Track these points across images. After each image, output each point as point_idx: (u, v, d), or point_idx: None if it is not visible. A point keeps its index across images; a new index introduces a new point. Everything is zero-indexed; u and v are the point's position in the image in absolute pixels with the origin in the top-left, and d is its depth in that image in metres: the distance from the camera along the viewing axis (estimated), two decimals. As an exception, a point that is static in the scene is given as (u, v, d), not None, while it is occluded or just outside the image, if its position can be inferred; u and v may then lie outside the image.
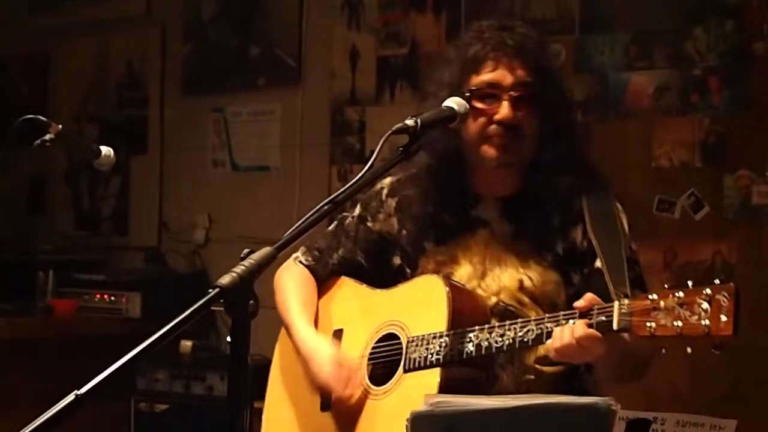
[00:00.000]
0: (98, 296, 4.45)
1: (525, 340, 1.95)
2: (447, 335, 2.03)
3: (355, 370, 2.15)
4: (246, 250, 1.55)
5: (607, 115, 3.69)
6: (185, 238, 4.79)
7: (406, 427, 1.67)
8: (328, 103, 4.43)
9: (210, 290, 1.48)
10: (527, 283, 2.14)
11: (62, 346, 4.15)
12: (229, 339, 1.52)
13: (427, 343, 2.05)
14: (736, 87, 3.49)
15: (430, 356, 2.04)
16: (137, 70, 5.05)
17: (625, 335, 1.89)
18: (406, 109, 3.75)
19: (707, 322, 1.68)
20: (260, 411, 2.35)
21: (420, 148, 1.92)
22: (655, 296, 1.76)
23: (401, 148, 1.91)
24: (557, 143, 2.15)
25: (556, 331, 1.89)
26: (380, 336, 2.18)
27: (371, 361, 2.17)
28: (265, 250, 1.56)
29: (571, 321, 1.89)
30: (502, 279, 2.15)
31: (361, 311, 2.26)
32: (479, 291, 2.15)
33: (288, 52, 4.54)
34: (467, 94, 2.10)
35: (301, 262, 2.37)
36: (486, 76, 2.12)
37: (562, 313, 1.94)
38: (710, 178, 3.53)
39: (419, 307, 2.12)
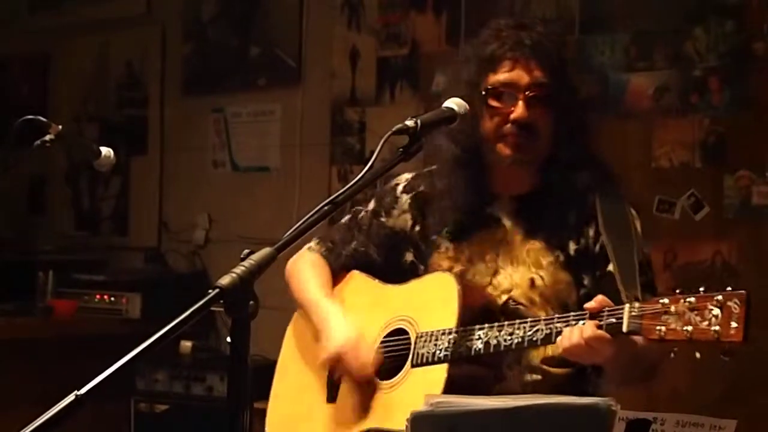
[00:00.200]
0: (98, 296, 4.45)
1: (534, 339, 1.96)
2: (456, 332, 2.03)
3: (371, 351, 2.15)
4: (246, 251, 1.55)
5: (607, 115, 3.69)
6: (185, 238, 4.79)
7: (406, 427, 1.67)
8: (328, 103, 4.43)
9: (210, 291, 1.48)
10: (539, 282, 2.15)
11: (62, 346, 4.15)
12: (229, 339, 1.52)
13: (436, 339, 2.06)
14: (736, 87, 3.49)
15: (438, 352, 2.04)
16: (137, 70, 5.05)
17: (635, 338, 1.89)
18: (406, 109, 3.77)
19: (717, 327, 1.69)
20: (260, 411, 2.35)
21: (420, 148, 1.92)
22: (666, 300, 1.77)
23: (401, 149, 1.91)
24: (572, 142, 2.16)
25: (566, 330, 1.90)
26: (389, 331, 2.19)
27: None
28: (265, 251, 1.56)
29: (581, 322, 1.89)
30: (514, 277, 2.16)
31: (371, 305, 2.27)
32: (491, 288, 2.16)
33: (288, 52, 4.54)
34: (483, 93, 2.13)
35: (314, 251, 2.39)
36: (502, 76, 2.14)
37: (573, 313, 1.95)
38: (710, 179, 3.53)
39: (430, 303, 2.13)
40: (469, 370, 2.05)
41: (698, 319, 1.71)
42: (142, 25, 5.01)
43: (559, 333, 1.92)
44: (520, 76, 2.13)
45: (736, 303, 1.68)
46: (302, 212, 1.72)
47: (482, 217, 2.23)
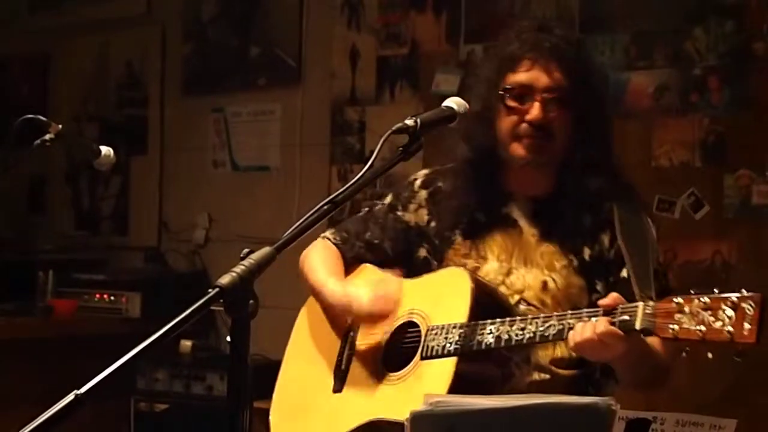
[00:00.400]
0: (98, 296, 4.45)
1: (546, 334, 1.95)
2: (467, 326, 2.03)
3: (396, 295, 2.16)
4: (246, 250, 1.55)
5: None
6: (185, 237, 4.79)
7: (406, 426, 1.67)
8: (328, 103, 4.43)
9: (210, 290, 1.48)
10: (551, 285, 2.15)
11: (62, 345, 4.15)
12: (228, 339, 1.52)
13: (447, 333, 2.06)
14: (736, 87, 3.49)
15: (448, 345, 2.04)
16: (137, 70, 5.05)
17: (648, 339, 1.90)
18: (406, 109, 3.77)
19: (731, 328, 1.69)
20: (260, 411, 2.35)
21: (420, 147, 1.92)
22: (680, 300, 1.77)
23: (401, 148, 1.91)
24: (590, 146, 2.16)
25: (578, 326, 1.90)
26: (400, 323, 2.19)
27: (389, 347, 2.18)
28: (265, 250, 1.56)
29: (593, 319, 1.89)
30: (527, 278, 2.17)
31: None
32: (503, 288, 2.17)
33: (288, 52, 4.54)
34: (501, 92, 2.15)
35: (329, 240, 2.39)
36: (521, 76, 2.15)
37: (586, 310, 1.95)
38: (710, 178, 3.53)
39: (442, 298, 2.13)
40: (477, 366, 2.05)
41: (712, 319, 1.72)
42: (142, 25, 5.01)
43: (571, 329, 1.91)
44: (539, 77, 2.13)
45: (750, 305, 1.69)
46: (302, 212, 1.72)
47: (498, 216, 2.23)
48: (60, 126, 2.45)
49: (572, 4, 3.81)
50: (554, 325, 1.95)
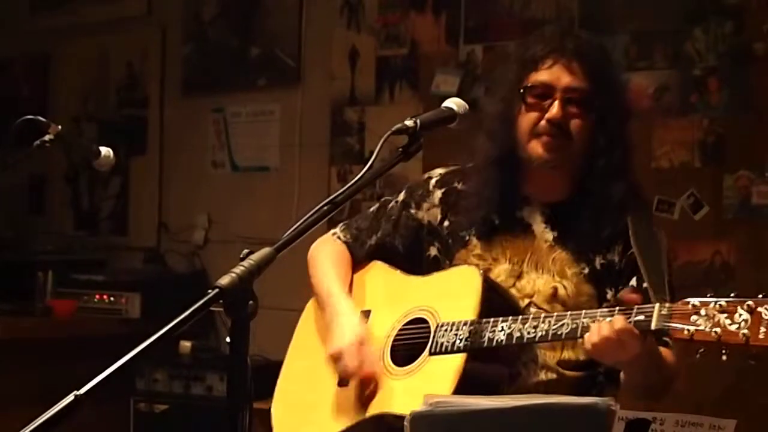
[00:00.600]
0: (98, 296, 4.45)
1: (559, 333, 1.95)
2: (478, 322, 2.03)
3: (374, 355, 2.15)
4: (245, 251, 1.55)
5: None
6: (185, 238, 4.79)
7: (405, 427, 1.67)
8: (328, 103, 4.43)
9: (209, 291, 1.48)
10: (561, 291, 2.15)
11: (62, 346, 4.15)
12: (228, 339, 1.52)
13: (456, 329, 2.06)
14: (736, 87, 3.49)
15: (458, 341, 2.04)
16: (137, 71, 5.05)
17: (660, 349, 1.91)
18: (406, 109, 3.77)
19: (746, 331, 1.71)
20: (260, 411, 2.35)
21: (420, 148, 1.92)
22: (696, 302, 1.78)
23: (401, 149, 1.91)
24: (609, 153, 2.16)
25: (594, 326, 1.89)
26: (409, 320, 2.19)
27: (397, 342, 2.18)
28: (265, 251, 1.56)
29: (607, 318, 1.89)
30: (537, 283, 2.17)
31: (392, 295, 2.27)
32: (513, 290, 2.17)
33: (288, 52, 4.54)
34: (522, 90, 2.15)
35: (339, 238, 2.39)
36: (542, 75, 2.15)
37: (600, 310, 1.95)
38: (710, 179, 3.53)
39: (452, 296, 2.13)
40: (485, 364, 2.05)
41: (728, 322, 1.73)
42: (142, 26, 5.01)
43: (585, 328, 1.91)
44: (560, 76, 2.13)
45: (766, 309, 1.70)
46: (302, 212, 1.72)
47: (512, 220, 2.23)
48: (59, 127, 2.45)
49: (572, 5, 3.81)
50: (567, 324, 1.94)
